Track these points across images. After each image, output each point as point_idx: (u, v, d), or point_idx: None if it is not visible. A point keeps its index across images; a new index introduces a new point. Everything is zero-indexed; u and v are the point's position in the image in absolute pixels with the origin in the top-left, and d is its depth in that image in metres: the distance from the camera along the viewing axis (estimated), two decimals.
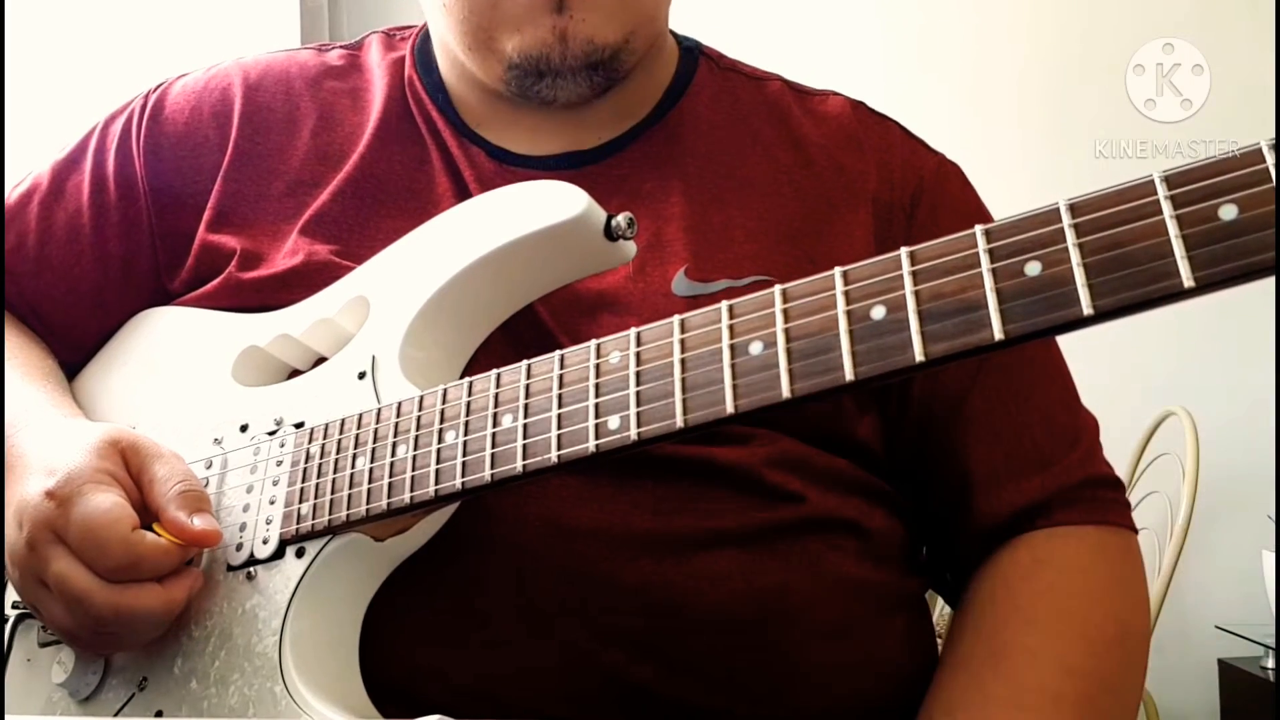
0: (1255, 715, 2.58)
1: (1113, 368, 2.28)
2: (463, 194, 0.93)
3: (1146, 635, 0.90)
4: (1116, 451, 0.96)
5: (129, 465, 0.78)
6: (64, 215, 1.01)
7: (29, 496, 0.75)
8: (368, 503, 0.74)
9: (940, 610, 1.95)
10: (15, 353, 0.96)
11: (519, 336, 0.85)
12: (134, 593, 0.73)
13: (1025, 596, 0.86)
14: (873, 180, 0.96)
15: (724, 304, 0.64)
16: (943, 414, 0.92)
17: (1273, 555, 2.56)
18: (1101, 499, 0.91)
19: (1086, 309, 0.51)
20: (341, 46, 1.07)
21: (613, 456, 0.65)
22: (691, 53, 1.04)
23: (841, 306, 0.59)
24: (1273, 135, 0.49)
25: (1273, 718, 2.45)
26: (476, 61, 0.94)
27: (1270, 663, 2.57)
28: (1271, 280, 0.49)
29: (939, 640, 0.94)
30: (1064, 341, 0.96)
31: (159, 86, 1.05)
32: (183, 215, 0.98)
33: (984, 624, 0.86)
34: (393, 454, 0.74)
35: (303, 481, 0.78)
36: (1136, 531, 0.93)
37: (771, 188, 0.95)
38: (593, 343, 0.68)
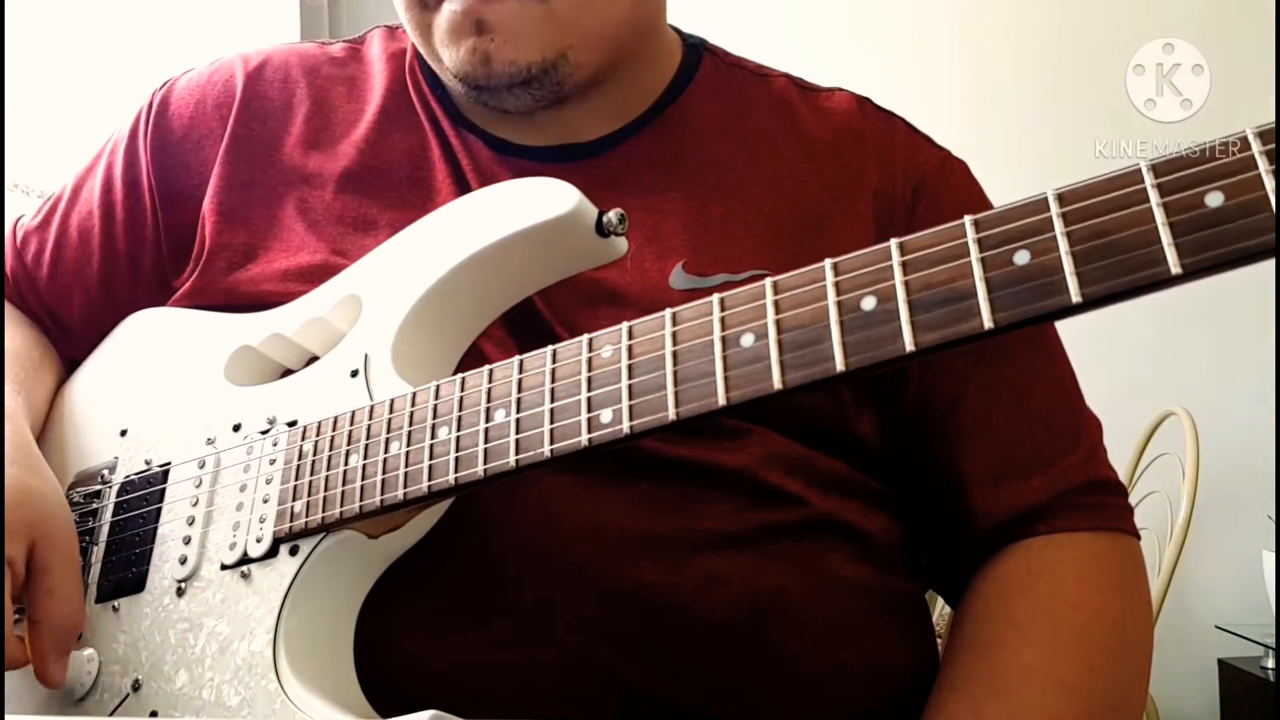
0: (1255, 715, 2.58)
1: (1113, 368, 2.28)
2: (461, 183, 0.93)
3: (1147, 645, 0.88)
4: (1116, 451, 0.95)
5: (33, 558, 0.79)
6: (77, 219, 1.03)
7: None
8: (361, 500, 0.73)
9: (940, 610, 1.95)
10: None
11: (517, 328, 0.85)
12: None
13: (1021, 610, 0.84)
14: (874, 175, 0.95)
15: (715, 297, 0.64)
16: (938, 411, 0.91)
17: (1273, 555, 2.56)
18: (1102, 504, 0.89)
19: (1075, 296, 0.52)
20: (344, 41, 1.08)
21: (606, 450, 0.65)
22: (696, 50, 1.04)
23: (832, 297, 0.59)
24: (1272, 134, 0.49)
25: (1273, 718, 2.45)
26: (436, 69, 0.96)
27: (1270, 663, 2.57)
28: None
29: (939, 640, 0.94)
30: (1064, 341, 0.96)
31: (164, 84, 1.06)
32: (188, 206, 0.98)
33: (980, 639, 0.85)
34: (386, 451, 0.74)
35: (296, 479, 0.78)
36: (1139, 536, 0.91)
37: (773, 182, 0.95)
38: (585, 337, 0.68)
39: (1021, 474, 0.89)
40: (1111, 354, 2.25)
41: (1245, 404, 2.80)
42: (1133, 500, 1.00)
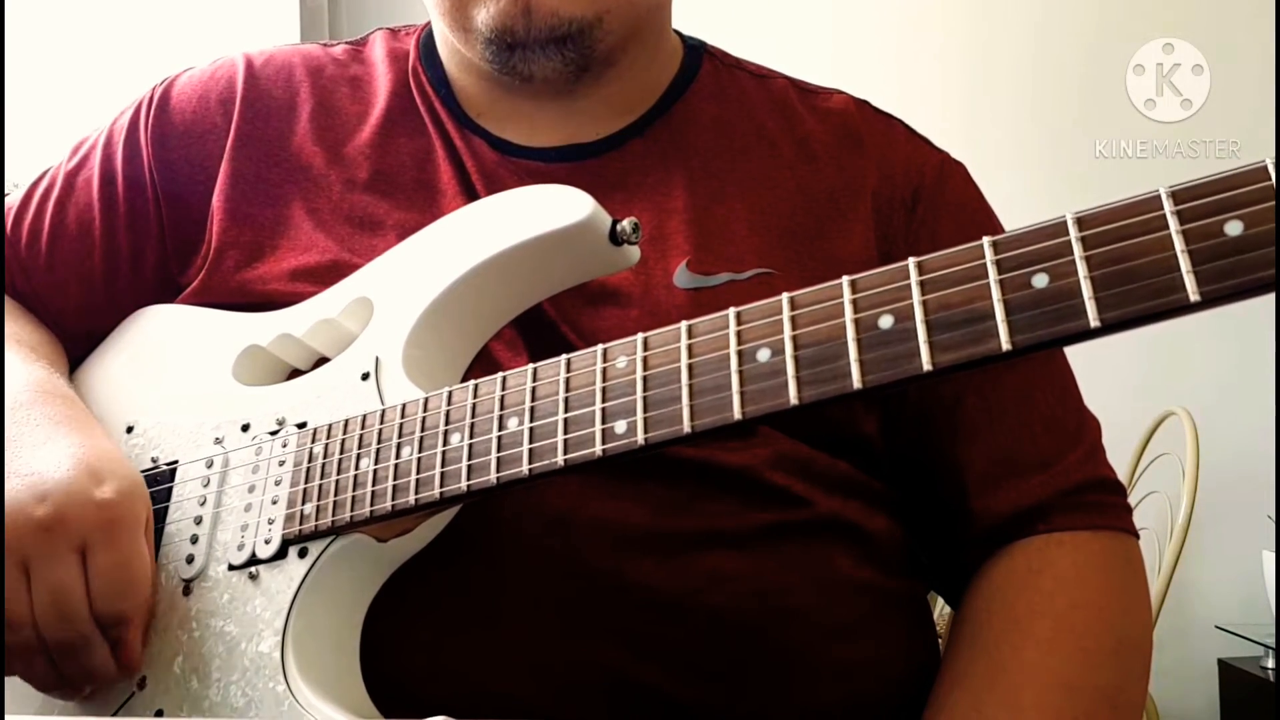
0: (1255, 715, 2.59)
1: (1113, 368, 2.28)
2: (466, 185, 0.93)
3: (1147, 644, 0.89)
4: (1116, 451, 0.95)
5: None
6: (75, 211, 1.02)
7: (72, 482, 0.76)
8: (371, 504, 0.74)
9: (940, 610, 1.96)
10: (35, 345, 0.96)
11: (522, 326, 0.85)
12: (96, 652, 0.76)
13: (1022, 608, 0.85)
14: (873, 177, 0.95)
15: (731, 311, 0.64)
16: (940, 412, 0.92)
17: (1273, 555, 2.56)
18: (1102, 503, 0.90)
19: (1093, 321, 0.52)
20: (346, 42, 1.07)
21: (619, 460, 0.66)
22: (696, 51, 1.04)
23: (849, 315, 0.59)
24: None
25: (1273, 718, 2.46)
26: (460, 40, 0.95)
27: (1270, 663, 2.58)
28: None
29: (940, 639, 0.94)
30: None
31: (165, 81, 1.05)
32: (192, 201, 0.98)
33: (981, 637, 0.85)
34: (397, 455, 0.74)
35: (306, 482, 0.78)
36: (1138, 535, 0.92)
37: (774, 182, 0.95)
38: (599, 347, 0.68)
39: (1022, 473, 0.89)
40: (1111, 354, 2.24)
41: (1245, 404, 2.80)
42: (1133, 500, 1.01)
